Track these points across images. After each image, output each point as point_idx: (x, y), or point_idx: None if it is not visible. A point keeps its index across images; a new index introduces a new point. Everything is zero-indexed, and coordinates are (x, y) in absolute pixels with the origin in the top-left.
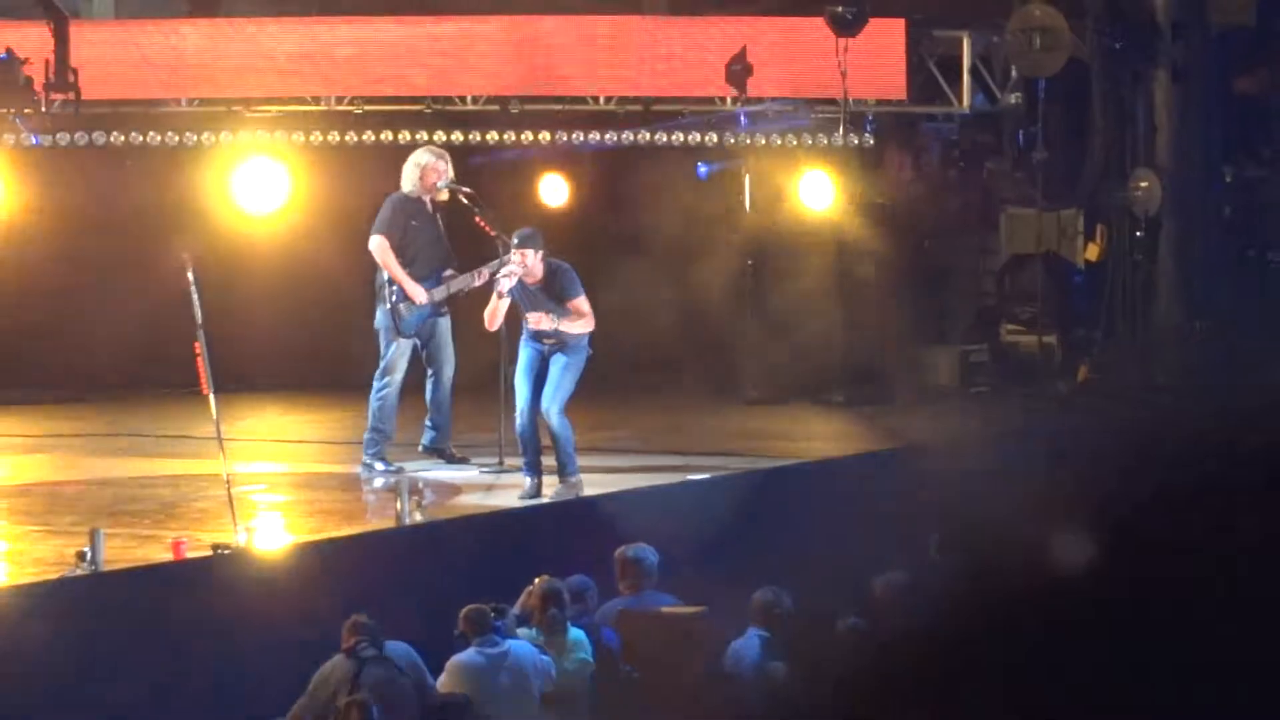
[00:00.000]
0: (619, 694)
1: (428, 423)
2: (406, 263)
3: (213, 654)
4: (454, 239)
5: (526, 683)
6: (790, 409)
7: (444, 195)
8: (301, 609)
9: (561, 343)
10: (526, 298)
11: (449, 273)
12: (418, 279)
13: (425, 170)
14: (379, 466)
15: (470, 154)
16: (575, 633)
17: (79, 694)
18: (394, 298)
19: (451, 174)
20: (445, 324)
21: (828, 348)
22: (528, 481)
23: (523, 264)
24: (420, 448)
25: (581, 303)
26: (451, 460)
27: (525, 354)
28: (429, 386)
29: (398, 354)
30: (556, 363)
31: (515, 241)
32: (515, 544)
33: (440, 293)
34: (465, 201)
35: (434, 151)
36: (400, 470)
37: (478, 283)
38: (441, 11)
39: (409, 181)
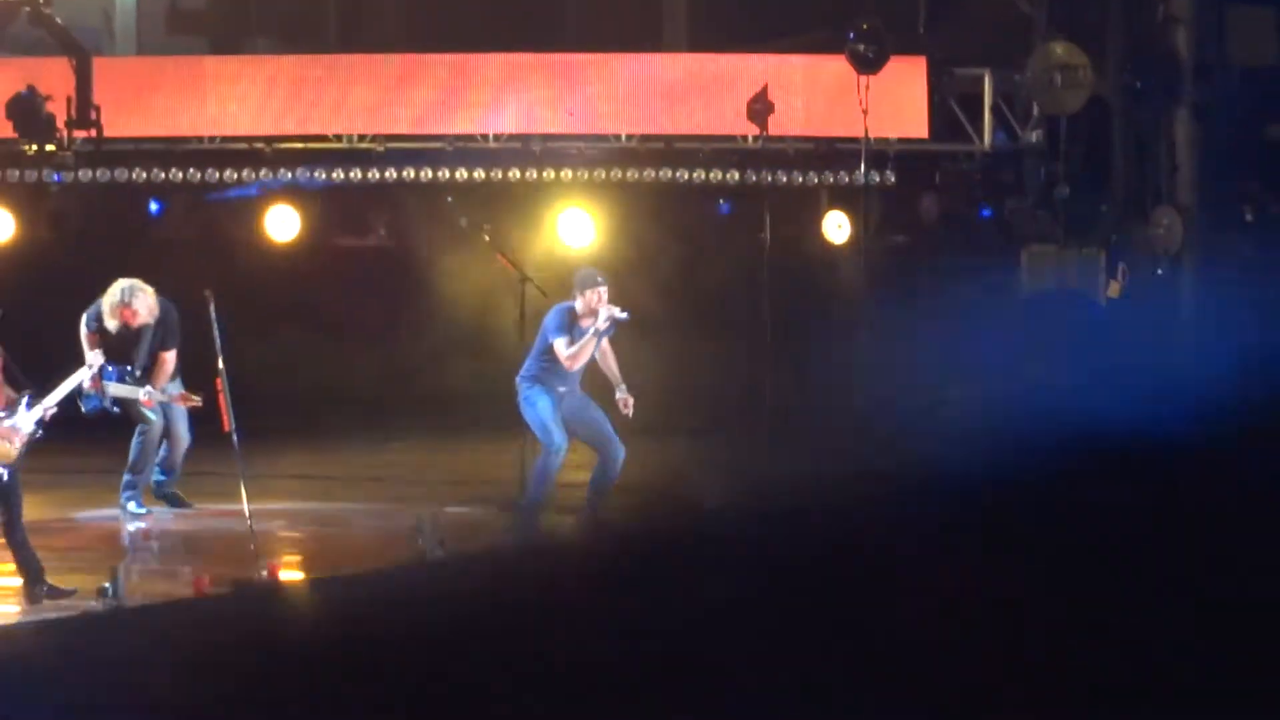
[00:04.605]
0: None
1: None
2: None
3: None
4: (477, 275)
5: None
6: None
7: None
8: (323, 646)
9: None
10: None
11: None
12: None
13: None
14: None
15: (491, 191)
16: None
17: None
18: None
19: (148, 306)
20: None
21: (847, 384)
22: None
23: (601, 302)
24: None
25: None
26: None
27: (554, 397)
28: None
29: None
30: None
31: (600, 280)
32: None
33: (112, 389)
34: (487, 240)
35: (124, 291)
36: (149, 513)
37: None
38: (458, 48)
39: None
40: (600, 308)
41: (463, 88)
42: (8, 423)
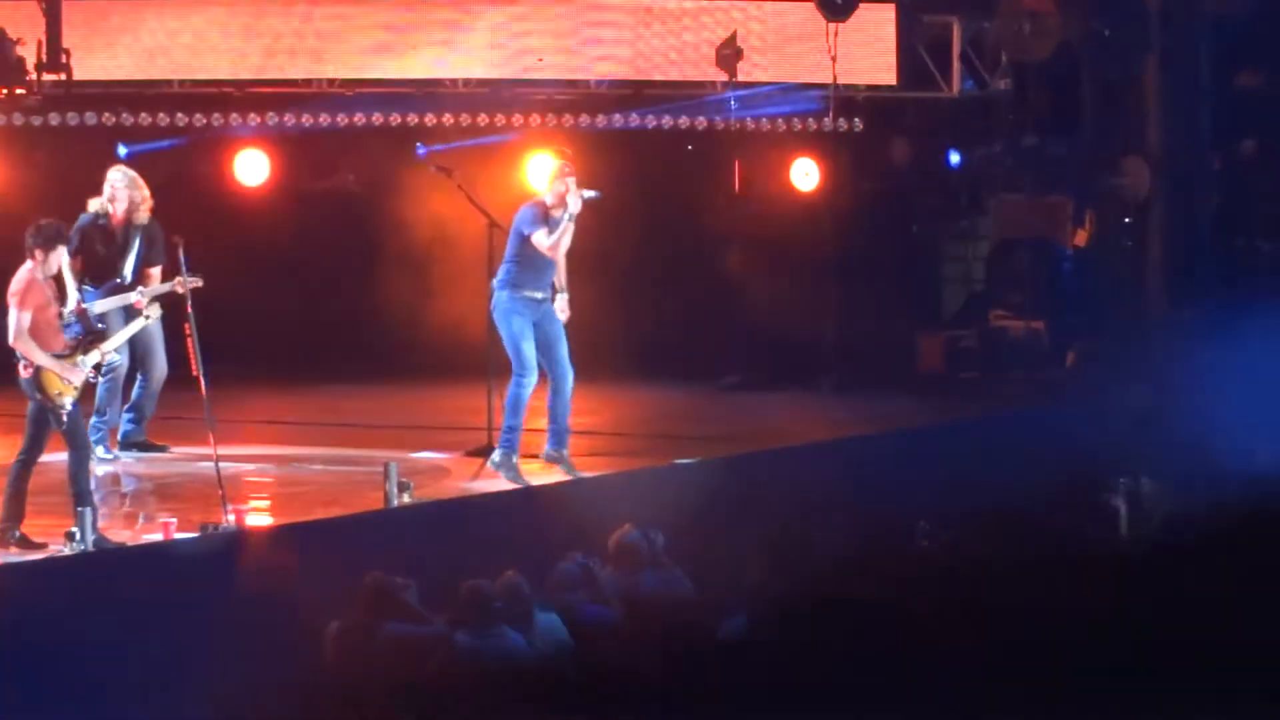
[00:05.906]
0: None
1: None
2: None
3: (200, 634)
4: (439, 214)
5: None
6: (776, 394)
7: (145, 215)
8: (288, 590)
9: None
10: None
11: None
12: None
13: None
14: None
15: (459, 136)
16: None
17: (64, 673)
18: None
19: (142, 197)
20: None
21: (815, 332)
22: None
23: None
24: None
25: None
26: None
27: (528, 316)
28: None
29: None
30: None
31: (568, 170)
32: (506, 525)
33: (98, 306)
34: (453, 182)
35: (123, 175)
36: (117, 458)
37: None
38: None
39: (96, 201)
40: (569, 196)
41: (430, 33)
42: (68, 365)
